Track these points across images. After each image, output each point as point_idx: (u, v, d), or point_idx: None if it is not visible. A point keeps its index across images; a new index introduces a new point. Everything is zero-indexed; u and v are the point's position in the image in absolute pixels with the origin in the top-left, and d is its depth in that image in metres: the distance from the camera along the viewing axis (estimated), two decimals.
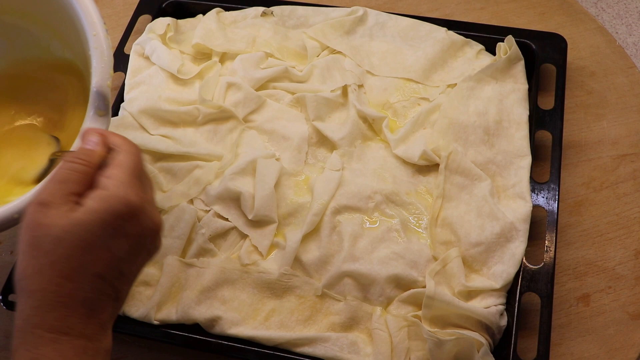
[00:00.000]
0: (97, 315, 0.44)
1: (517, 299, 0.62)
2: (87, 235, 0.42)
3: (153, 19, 0.86)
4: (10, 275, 0.69)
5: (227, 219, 0.70)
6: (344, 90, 0.77)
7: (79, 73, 0.66)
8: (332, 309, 0.64)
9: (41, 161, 0.63)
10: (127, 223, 0.44)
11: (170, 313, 0.65)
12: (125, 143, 0.48)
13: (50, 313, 0.42)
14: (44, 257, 0.42)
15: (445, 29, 0.80)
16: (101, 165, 0.47)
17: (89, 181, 0.45)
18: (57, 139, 0.65)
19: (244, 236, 0.69)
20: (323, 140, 0.75)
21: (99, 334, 0.44)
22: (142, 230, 0.45)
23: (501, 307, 0.62)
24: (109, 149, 0.48)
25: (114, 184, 0.44)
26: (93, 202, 0.43)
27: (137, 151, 0.48)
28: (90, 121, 0.55)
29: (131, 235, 0.45)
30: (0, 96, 0.69)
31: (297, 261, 0.67)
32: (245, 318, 0.65)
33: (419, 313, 0.62)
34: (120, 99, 0.81)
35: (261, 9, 0.86)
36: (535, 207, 0.67)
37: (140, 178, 0.46)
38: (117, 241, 0.44)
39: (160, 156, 0.74)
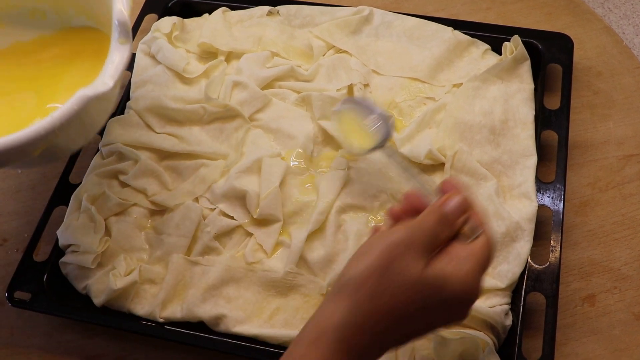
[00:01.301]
0: (371, 352, 0.45)
1: (522, 298, 0.62)
2: (427, 299, 0.44)
3: (159, 18, 0.86)
4: (16, 273, 0.70)
5: (232, 218, 0.70)
6: (350, 89, 0.77)
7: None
8: None
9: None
10: (455, 308, 0.46)
11: (175, 311, 0.66)
12: (487, 228, 0.48)
13: (361, 338, 0.43)
14: (387, 291, 0.44)
15: (451, 28, 0.80)
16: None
17: (443, 243, 0.47)
18: None
19: (249, 234, 0.69)
20: (329, 139, 0.75)
21: None
22: (456, 317, 0.47)
23: (506, 307, 0.62)
24: (469, 226, 0.48)
25: (469, 268, 0.45)
26: (447, 271, 0.44)
27: (493, 241, 0.48)
28: (114, 49, 0.60)
29: (449, 318, 0.46)
30: None
31: (302, 260, 0.67)
32: (250, 316, 0.65)
33: None
34: (126, 97, 0.81)
35: (267, 8, 0.86)
36: (541, 207, 0.67)
37: (486, 269, 0.47)
38: (439, 318, 0.46)
39: (165, 154, 0.74)
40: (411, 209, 0.49)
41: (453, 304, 0.45)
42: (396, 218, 0.50)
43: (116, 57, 0.61)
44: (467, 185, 0.51)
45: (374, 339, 0.44)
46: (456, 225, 0.47)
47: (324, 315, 0.45)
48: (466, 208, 0.48)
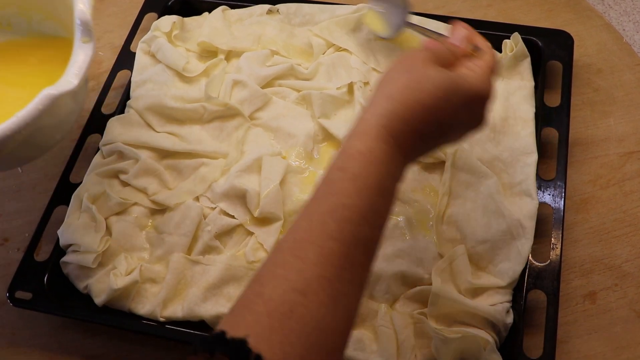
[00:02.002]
0: (414, 150, 0.50)
1: (524, 296, 0.62)
2: (451, 93, 0.49)
3: (159, 17, 0.86)
4: (17, 272, 0.70)
5: (233, 217, 0.70)
6: (350, 87, 0.77)
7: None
8: None
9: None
10: (477, 104, 0.52)
11: (176, 310, 0.66)
12: (489, 47, 0.56)
13: (398, 124, 0.47)
14: (416, 81, 0.49)
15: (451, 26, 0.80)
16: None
17: (450, 64, 0.54)
18: None
19: (249, 233, 0.69)
20: (329, 138, 0.75)
21: (407, 164, 0.50)
22: (479, 115, 0.53)
23: (507, 305, 0.62)
24: (474, 47, 0.56)
25: (481, 72, 0.52)
26: (464, 73, 0.52)
27: (496, 56, 0.56)
28: (77, 48, 0.62)
29: (473, 112, 0.52)
30: None
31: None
32: None
33: (425, 310, 0.62)
34: (126, 96, 0.81)
35: (267, 6, 0.86)
36: (542, 205, 0.67)
37: (494, 73, 0.54)
38: (463, 110, 0.51)
39: (166, 154, 0.74)
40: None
41: (474, 99, 0.51)
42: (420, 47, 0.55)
43: (80, 56, 0.61)
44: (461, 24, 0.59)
45: (413, 130, 0.48)
46: (465, 48, 0.55)
47: (368, 112, 0.49)
48: (472, 36, 0.57)
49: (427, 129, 0.49)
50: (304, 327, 0.39)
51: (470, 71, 0.52)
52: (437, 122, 0.49)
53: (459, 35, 0.57)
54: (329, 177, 0.47)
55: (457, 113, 0.50)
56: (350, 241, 0.43)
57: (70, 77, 0.60)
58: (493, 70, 0.54)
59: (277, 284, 0.41)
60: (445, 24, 0.66)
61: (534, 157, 0.69)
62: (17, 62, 0.75)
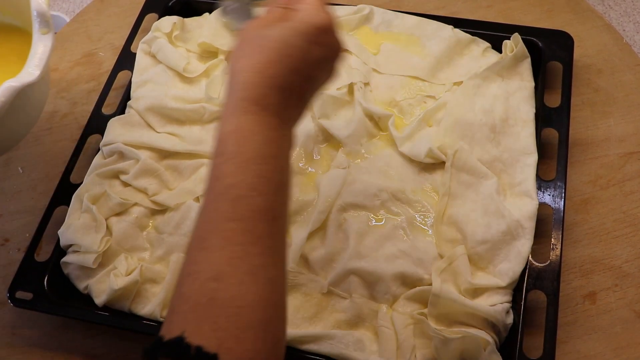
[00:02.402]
0: (287, 107, 0.49)
1: (523, 296, 0.62)
2: (291, 35, 0.48)
3: (159, 18, 0.86)
4: (17, 273, 0.70)
5: None
6: (350, 88, 0.77)
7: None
8: (338, 307, 0.64)
9: None
10: (322, 34, 0.50)
11: None
12: None
13: (255, 89, 0.47)
14: (257, 43, 0.48)
15: (451, 27, 0.80)
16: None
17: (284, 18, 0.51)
18: None
19: None
20: (329, 138, 0.75)
21: (286, 124, 0.49)
22: (331, 44, 0.51)
23: (507, 305, 0.62)
24: None
25: (309, 6, 0.50)
26: (299, 14, 0.49)
27: None
28: (36, 40, 0.61)
29: (324, 45, 0.50)
30: None
31: (302, 259, 0.67)
32: None
33: (425, 311, 0.62)
34: (126, 97, 0.81)
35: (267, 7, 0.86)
36: (542, 205, 0.67)
37: (328, 7, 0.52)
38: (312, 47, 0.49)
39: (166, 154, 0.75)
40: None
41: (315, 33, 0.49)
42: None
43: (39, 47, 0.62)
44: None
45: (275, 88, 0.47)
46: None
47: (226, 98, 0.48)
48: None
49: (287, 80, 0.48)
50: (228, 309, 0.40)
51: (298, 12, 0.50)
52: (293, 70, 0.48)
53: None
54: (211, 167, 0.47)
55: (307, 53, 0.49)
56: (249, 216, 0.43)
57: (31, 69, 0.60)
58: (322, 2, 0.52)
59: (192, 280, 0.42)
60: None
61: (534, 158, 0.69)
62: None
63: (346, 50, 0.78)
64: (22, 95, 0.59)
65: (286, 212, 0.47)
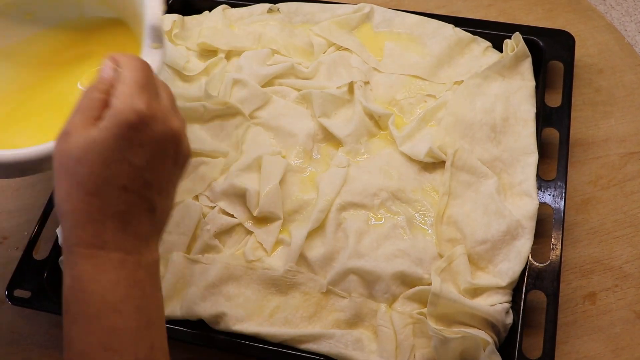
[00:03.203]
0: (132, 228, 0.44)
1: (523, 296, 0.62)
2: (103, 150, 0.43)
3: None
4: (16, 271, 0.70)
5: (232, 216, 0.70)
6: (350, 86, 0.77)
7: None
8: (337, 306, 0.64)
9: None
10: (139, 132, 0.44)
11: (174, 309, 0.66)
12: (129, 59, 0.47)
13: (84, 230, 0.43)
14: (71, 179, 0.43)
15: (452, 25, 0.80)
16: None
17: (105, 106, 0.45)
18: None
19: (249, 232, 0.69)
20: (329, 137, 0.75)
21: (138, 247, 0.45)
22: (157, 137, 0.45)
23: (507, 305, 0.62)
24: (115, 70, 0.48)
25: (120, 99, 0.44)
26: (105, 121, 0.43)
27: (143, 64, 0.47)
28: (146, 54, 0.58)
29: (147, 143, 0.45)
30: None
31: (302, 258, 0.66)
32: (250, 314, 0.65)
33: (424, 310, 0.62)
34: None
35: (267, 5, 0.86)
36: (542, 205, 0.67)
37: (148, 88, 0.46)
38: (133, 151, 0.44)
39: None
40: None
41: (131, 134, 0.44)
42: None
43: (149, 61, 0.59)
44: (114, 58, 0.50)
45: (96, 222, 0.43)
46: (107, 82, 0.46)
47: (63, 240, 0.45)
48: (115, 59, 0.47)
49: (120, 203, 0.44)
50: None
51: (106, 119, 0.44)
52: (122, 189, 0.44)
53: (104, 67, 0.47)
54: (63, 328, 0.43)
55: (131, 162, 0.44)
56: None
57: None
58: (130, 83, 0.45)
59: None
60: None
61: (534, 157, 0.69)
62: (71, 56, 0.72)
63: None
64: None
65: (164, 342, 0.45)
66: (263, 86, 0.78)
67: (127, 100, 0.44)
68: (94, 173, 0.43)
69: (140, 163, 0.44)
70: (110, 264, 0.43)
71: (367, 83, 0.77)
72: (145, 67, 0.47)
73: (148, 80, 0.46)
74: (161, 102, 0.47)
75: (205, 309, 0.65)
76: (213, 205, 0.71)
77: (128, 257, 0.44)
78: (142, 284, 0.44)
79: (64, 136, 0.44)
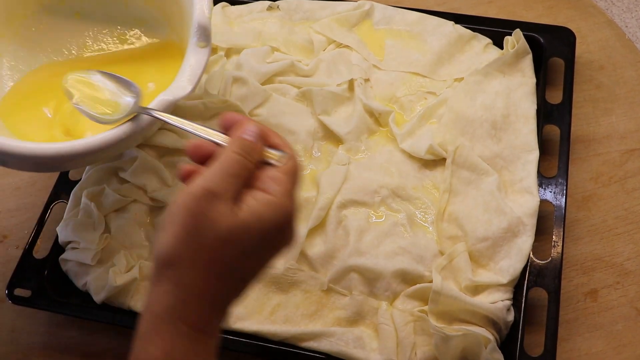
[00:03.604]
0: (220, 320, 0.44)
1: (524, 294, 0.62)
2: (248, 241, 0.42)
3: None
4: (16, 270, 0.69)
5: None
6: (351, 84, 0.76)
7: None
8: (338, 304, 0.64)
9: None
10: (280, 234, 0.44)
11: None
12: (288, 146, 0.46)
13: (196, 310, 0.41)
14: (203, 252, 0.41)
15: (452, 22, 0.80)
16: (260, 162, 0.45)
17: (251, 175, 0.44)
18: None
19: None
20: (329, 135, 0.74)
21: (212, 342, 0.43)
22: (286, 242, 0.45)
23: (508, 303, 0.62)
24: (268, 145, 0.46)
25: (281, 191, 0.43)
26: (260, 205, 0.42)
27: (298, 157, 0.46)
28: (192, 52, 0.59)
29: (278, 246, 0.45)
30: None
31: (302, 256, 0.66)
32: (250, 312, 0.64)
33: (426, 308, 0.62)
34: None
35: (267, 3, 0.86)
36: (543, 202, 0.66)
37: (298, 185, 0.45)
38: (268, 252, 0.44)
39: (165, 151, 0.74)
40: (200, 159, 0.46)
41: (274, 234, 0.43)
42: (188, 176, 0.45)
43: (194, 60, 0.59)
44: (245, 116, 0.49)
45: (210, 306, 0.42)
46: (258, 153, 0.45)
47: (152, 303, 0.42)
48: (262, 133, 0.45)
49: (229, 293, 0.43)
50: None
51: (266, 202, 0.42)
52: (239, 281, 0.43)
53: (251, 132, 0.45)
54: None
55: (260, 255, 0.44)
56: None
57: (184, 83, 0.59)
58: (294, 184, 0.44)
59: None
60: (196, 125, 0.49)
61: (535, 154, 0.69)
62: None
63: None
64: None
65: None
66: (263, 84, 0.78)
67: (287, 196, 0.43)
68: (229, 259, 0.42)
69: (265, 262, 0.45)
70: (205, 351, 0.42)
71: (367, 80, 0.77)
72: (300, 161, 0.46)
73: (299, 177, 0.46)
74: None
75: None
76: None
77: (215, 343, 0.43)
78: None
79: (210, 197, 0.41)
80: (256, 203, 0.42)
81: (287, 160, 0.45)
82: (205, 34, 0.60)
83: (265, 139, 0.46)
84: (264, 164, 0.45)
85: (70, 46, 0.75)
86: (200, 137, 0.48)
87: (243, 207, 0.42)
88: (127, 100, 0.59)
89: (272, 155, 0.45)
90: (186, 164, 0.45)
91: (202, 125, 0.49)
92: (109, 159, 0.72)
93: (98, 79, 0.61)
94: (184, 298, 0.41)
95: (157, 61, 0.72)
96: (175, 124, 0.52)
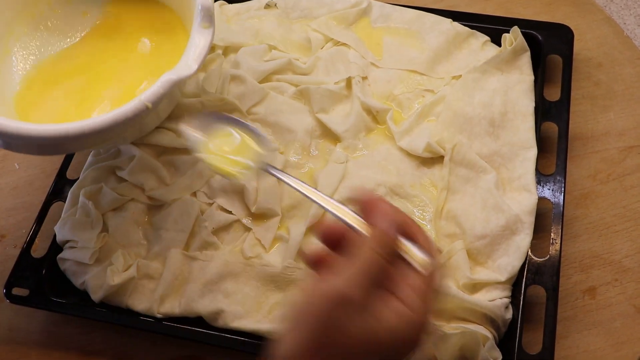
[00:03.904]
0: None
1: (523, 291, 0.62)
2: (376, 355, 0.39)
3: None
4: (14, 269, 0.69)
5: (230, 212, 0.70)
6: (348, 82, 0.76)
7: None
8: None
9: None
10: (409, 347, 0.41)
11: (173, 306, 0.65)
12: (432, 246, 0.42)
13: None
14: (324, 350, 0.38)
15: (450, 20, 0.80)
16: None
17: (386, 274, 0.41)
18: None
19: (247, 229, 0.69)
20: (327, 133, 0.74)
21: None
22: (411, 351, 0.42)
23: (506, 300, 0.62)
24: (407, 237, 0.42)
25: (422, 308, 0.40)
26: (396, 321, 0.39)
27: (440, 264, 0.42)
28: (196, 33, 0.61)
29: (403, 355, 0.41)
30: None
31: (300, 254, 0.66)
32: (248, 311, 0.64)
33: None
34: None
35: (264, 1, 0.86)
36: (541, 200, 0.66)
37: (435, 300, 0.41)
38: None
39: (163, 150, 0.74)
40: (332, 242, 0.43)
41: (404, 348, 0.41)
42: (319, 263, 0.42)
43: (199, 40, 0.61)
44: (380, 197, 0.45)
45: None
46: (393, 248, 0.41)
47: None
48: (401, 221, 0.42)
49: None
50: None
51: (398, 318, 0.39)
52: None
53: (388, 220, 0.41)
54: None
55: None
56: None
57: (189, 62, 0.60)
58: (436, 295, 0.41)
59: None
60: (332, 201, 0.47)
61: (533, 152, 0.69)
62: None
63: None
64: (174, 88, 0.59)
65: None
66: (260, 82, 0.78)
67: (426, 314, 0.40)
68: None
69: None
70: None
71: (364, 78, 0.77)
72: (441, 270, 0.42)
73: (440, 288, 0.42)
74: None
75: (203, 306, 0.65)
76: (211, 202, 0.70)
77: None
78: None
79: (346, 304, 0.38)
80: (393, 317, 0.39)
81: (432, 268, 0.41)
82: (208, 14, 0.61)
83: (405, 229, 0.42)
84: (398, 257, 0.41)
85: (76, 30, 0.76)
86: (335, 216, 0.44)
87: (377, 316, 0.39)
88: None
89: (415, 256, 0.41)
90: (316, 247, 0.42)
91: (336, 202, 0.45)
92: (114, 142, 0.72)
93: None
94: None
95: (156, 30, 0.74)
96: (309, 196, 0.48)
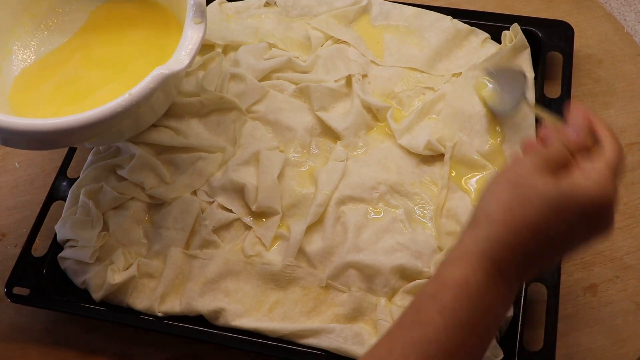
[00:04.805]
0: (521, 273, 0.46)
1: (524, 289, 0.62)
2: (562, 212, 0.44)
3: None
4: (14, 268, 0.69)
5: (230, 211, 0.69)
6: (348, 80, 0.76)
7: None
8: (337, 300, 0.64)
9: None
10: (599, 216, 0.45)
11: (173, 305, 0.65)
12: (612, 138, 0.47)
13: (505, 257, 0.44)
14: (520, 202, 0.44)
15: (450, 17, 0.79)
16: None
17: (566, 163, 0.46)
18: None
19: (247, 228, 0.69)
20: (327, 131, 0.74)
21: (513, 283, 0.46)
22: (603, 227, 0.47)
23: None
24: (593, 139, 0.48)
25: (597, 175, 0.44)
26: (586, 180, 0.44)
27: (622, 151, 0.48)
28: (188, 28, 0.62)
29: (595, 228, 0.46)
30: None
31: (301, 252, 0.66)
32: (249, 310, 0.64)
33: None
34: None
35: None
36: None
37: (620, 175, 0.47)
38: (586, 229, 0.46)
39: (162, 148, 0.74)
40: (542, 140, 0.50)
41: (590, 210, 0.44)
42: (528, 148, 0.50)
43: (191, 36, 0.62)
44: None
45: (520, 254, 0.44)
46: (582, 141, 0.48)
47: (467, 239, 0.46)
48: (593, 124, 0.48)
49: (536, 249, 0.45)
50: None
51: (585, 178, 0.44)
52: (547, 241, 0.45)
53: (577, 123, 0.49)
54: (418, 302, 0.45)
55: (570, 228, 0.45)
56: None
57: (181, 57, 0.61)
58: (616, 171, 0.46)
59: None
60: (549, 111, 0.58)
61: None
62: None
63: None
64: (167, 82, 0.60)
65: None
66: (260, 80, 0.78)
67: (603, 178, 0.44)
68: (540, 221, 0.44)
69: (574, 240, 0.46)
70: (497, 291, 0.45)
71: (365, 76, 0.77)
72: (622, 152, 0.47)
73: (622, 167, 0.47)
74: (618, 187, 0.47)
75: (204, 305, 0.65)
76: (211, 200, 0.70)
77: (509, 292, 0.46)
78: (496, 325, 0.47)
79: (537, 166, 0.45)
80: (575, 177, 0.44)
81: (605, 150, 0.47)
82: (200, 10, 0.62)
83: (591, 129, 0.48)
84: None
85: (75, 29, 0.77)
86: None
87: (562, 180, 0.44)
88: None
89: (593, 145, 0.48)
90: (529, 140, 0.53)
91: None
92: (111, 137, 0.72)
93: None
94: (498, 234, 0.44)
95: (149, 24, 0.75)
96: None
